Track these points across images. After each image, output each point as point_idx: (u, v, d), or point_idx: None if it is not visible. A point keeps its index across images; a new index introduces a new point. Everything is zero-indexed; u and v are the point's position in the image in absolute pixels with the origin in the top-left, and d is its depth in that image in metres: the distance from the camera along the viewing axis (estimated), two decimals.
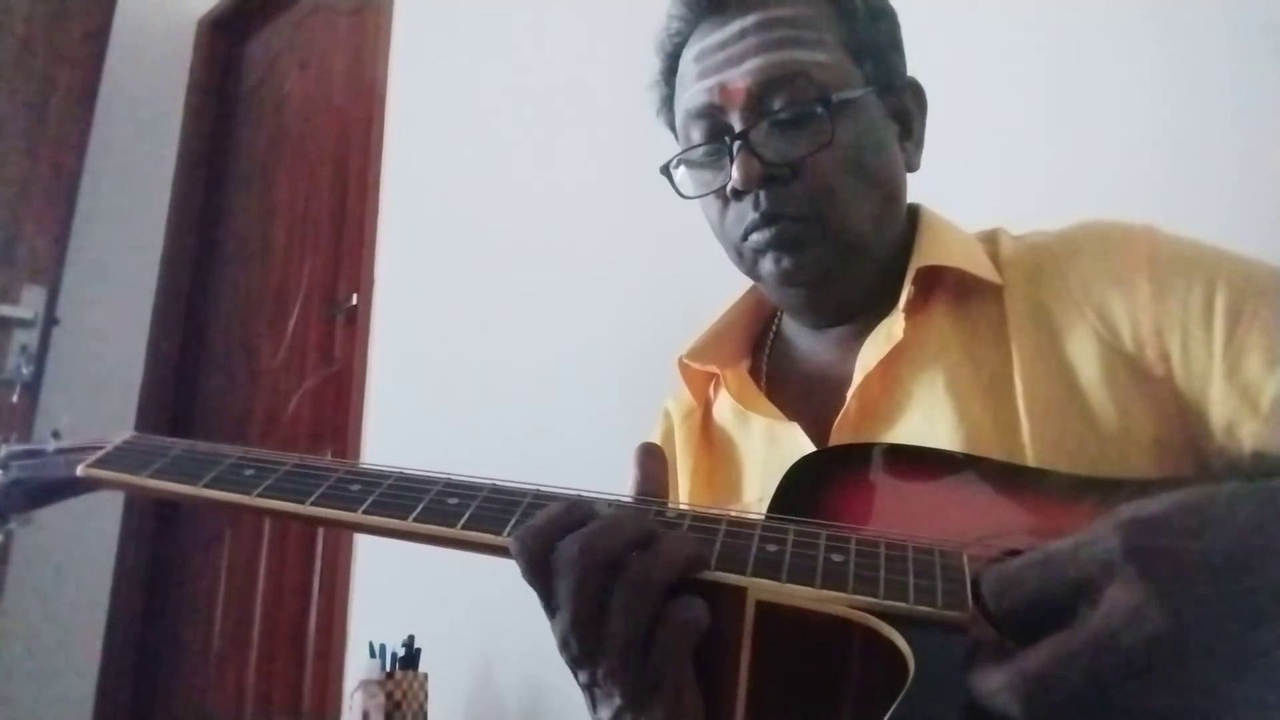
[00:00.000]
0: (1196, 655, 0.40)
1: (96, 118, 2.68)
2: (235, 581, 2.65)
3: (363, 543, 2.26)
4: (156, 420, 2.89)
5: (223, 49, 3.34)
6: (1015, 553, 0.49)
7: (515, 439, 1.85)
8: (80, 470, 0.68)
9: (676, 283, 1.68)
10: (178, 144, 3.20)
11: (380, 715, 1.76)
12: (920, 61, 0.82)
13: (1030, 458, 0.66)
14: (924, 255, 0.75)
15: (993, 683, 0.42)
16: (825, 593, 0.50)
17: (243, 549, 2.66)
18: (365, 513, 0.59)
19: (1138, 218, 0.73)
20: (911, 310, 0.73)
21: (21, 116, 2.57)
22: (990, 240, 0.78)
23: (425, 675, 1.83)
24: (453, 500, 0.58)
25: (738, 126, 0.72)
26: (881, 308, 0.75)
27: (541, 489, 0.59)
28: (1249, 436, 0.62)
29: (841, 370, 0.76)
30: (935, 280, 0.75)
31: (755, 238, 0.73)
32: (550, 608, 0.53)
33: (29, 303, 2.41)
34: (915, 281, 0.73)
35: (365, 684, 1.79)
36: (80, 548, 2.74)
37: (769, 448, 0.78)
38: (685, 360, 0.85)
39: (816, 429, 0.75)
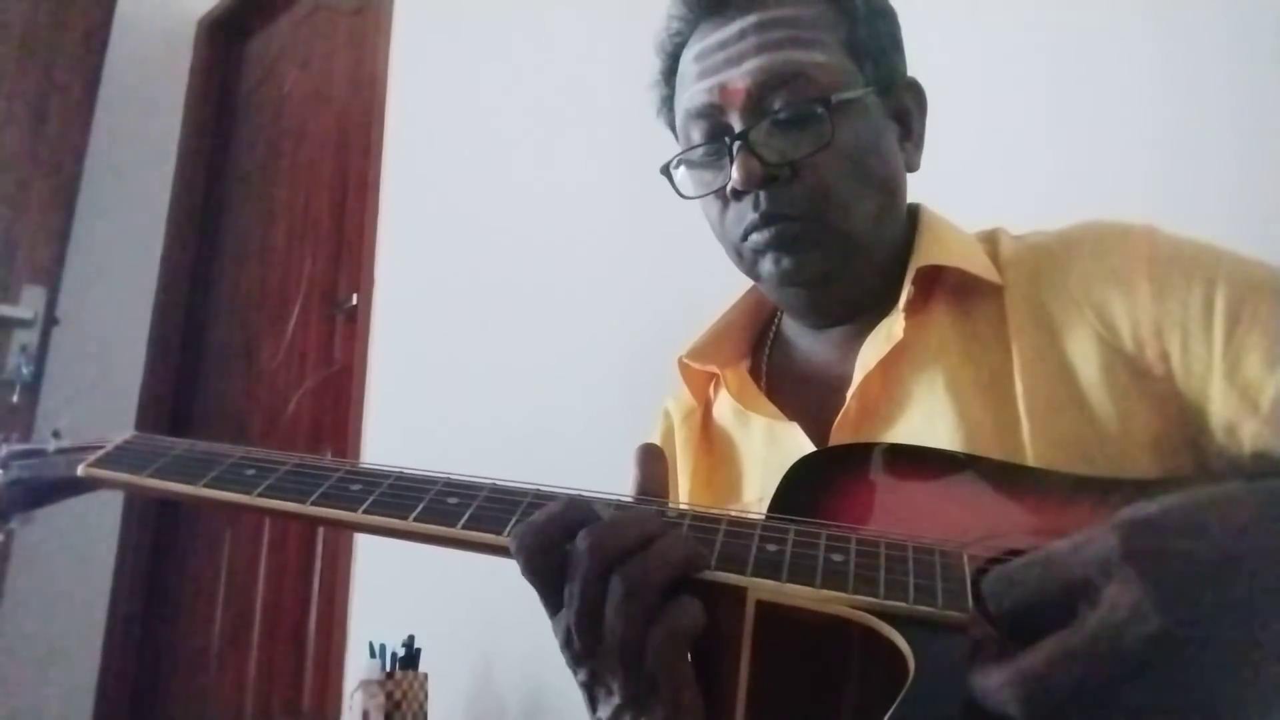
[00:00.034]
0: (1195, 655, 0.40)
1: (96, 118, 2.68)
2: (235, 582, 2.65)
3: (363, 543, 2.26)
4: (156, 420, 2.90)
5: (223, 49, 3.34)
6: (1015, 553, 0.49)
7: (515, 439, 1.85)
8: (81, 470, 0.68)
9: (676, 283, 1.68)
10: (178, 144, 3.20)
11: (380, 715, 1.76)
12: (920, 61, 0.82)
13: (1030, 457, 0.66)
14: (924, 255, 0.75)
15: (993, 682, 0.42)
16: (825, 593, 0.50)
17: (243, 549, 2.66)
18: (366, 512, 0.59)
19: (1138, 218, 0.73)
20: (911, 310, 0.73)
21: (21, 116, 2.57)
22: (990, 240, 0.78)
23: (425, 675, 1.84)
24: (453, 500, 0.59)
25: (738, 127, 0.72)
26: (881, 307, 0.75)
27: (541, 489, 0.59)
28: (1249, 436, 0.62)
29: (841, 370, 0.76)
30: (935, 280, 0.75)
31: (755, 238, 0.73)
32: (551, 605, 0.53)
33: (29, 303, 2.41)
34: (915, 281, 0.73)
35: (365, 684, 1.79)
36: (80, 548, 2.74)
37: (769, 447, 0.78)
38: (685, 360, 0.85)
39: (816, 429, 0.75)
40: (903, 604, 0.49)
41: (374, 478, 0.61)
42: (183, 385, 3.03)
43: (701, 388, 0.88)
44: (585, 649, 0.51)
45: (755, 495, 0.78)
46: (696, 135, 0.76)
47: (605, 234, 1.92)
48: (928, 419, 0.70)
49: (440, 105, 2.43)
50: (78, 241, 2.68)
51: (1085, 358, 0.68)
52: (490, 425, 1.96)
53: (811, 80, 0.71)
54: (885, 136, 0.76)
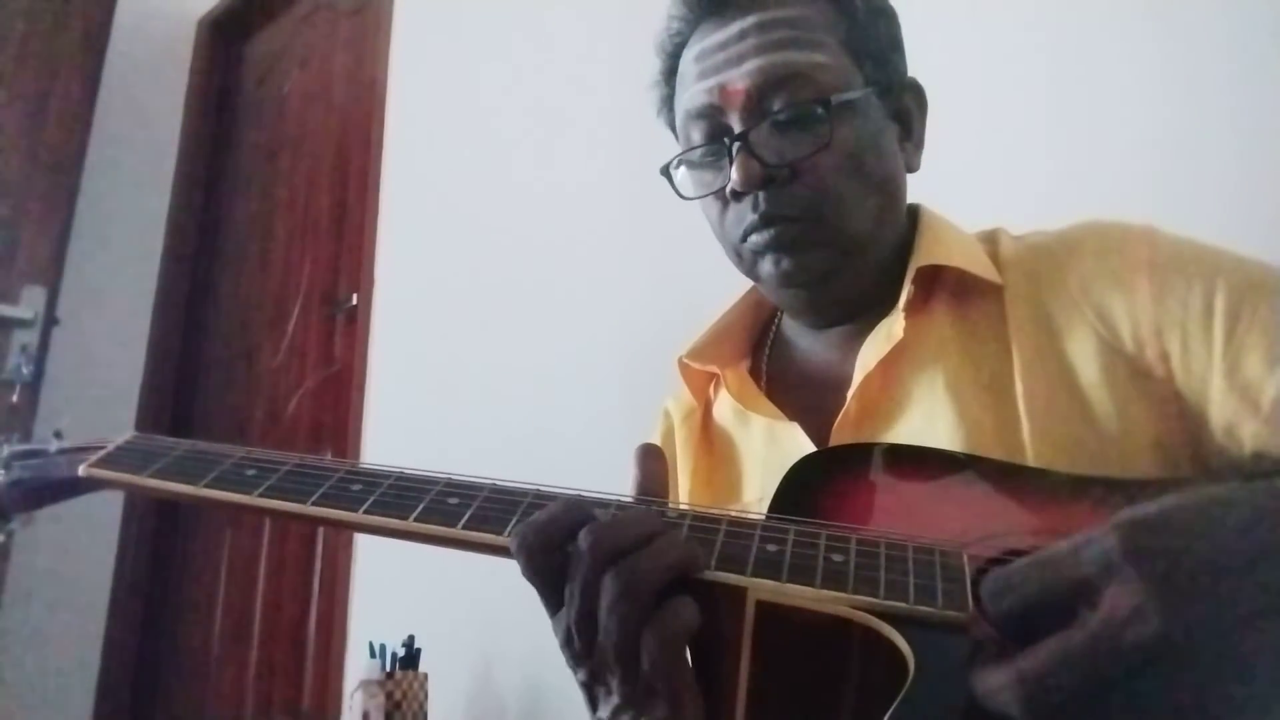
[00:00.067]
0: (1195, 655, 0.40)
1: (96, 118, 2.67)
2: (235, 582, 2.65)
3: (363, 543, 2.26)
4: (156, 420, 2.90)
5: (223, 49, 3.34)
6: (1015, 553, 0.49)
7: (515, 439, 1.85)
8: (82, 470, 0.69)
9: (676, 283, 1.68)
10: (178, 144, 3.20)
11: (380, 715, 1.76)
12: (920, 61, 0.82)
13: (1030, 457, 0.66)
14: (924, 255, 0.75)
15: (993, 683, 0.42)
16: (825, 593, 0.50)
17: (243, 549, 2.66)
18: (366, 513, 0.59)
19: (1138, 218, 0.73)
20: (911, 310, 0.73)
21: (21, 116, 2.57)
22: (990, 240, 0.78)
23: (425, 675, 1.84)
24: (453, 500, 0.59)
25: (737, 127, 0.72)
26: (881, 308, 0.75)
27: (541, 489, 0.59)
28: (1249, 436, 0.62)
29: (841, 370, 0.76)
30: (935, 280, 0.75)
31: (755, 239, 0.73)
32: (551, 605, 0.53)
33: (29, 303, 2.41)
34: (915, 281, 0.73)
35: (365, 684, 1.79)
36: (80, 548, 2.74)
37: (769, 447, 0.78)
38: (685, 360, 0.85)
39: (816, 429, 0.75)
40: (903, 604, 0.49)
41: (374, 478, 0.61)
42: (183, 385, 3.03)
43: (701, 388, 0.88)
44: (585, 649, 0.51)
45: (755, 495, 0.78)
46: (696, 136, 0.76)
47: (605, 234, 1.92)
48: (928, 419, 0.70)
49: (440, 105, 2.43)
50: (78, 241, 2.68)
51: (1085, 358, 0.68)
52: (490, 425, 1.96)
53: (811, 81, 0.71)
54: (885, 137, 0.76)
